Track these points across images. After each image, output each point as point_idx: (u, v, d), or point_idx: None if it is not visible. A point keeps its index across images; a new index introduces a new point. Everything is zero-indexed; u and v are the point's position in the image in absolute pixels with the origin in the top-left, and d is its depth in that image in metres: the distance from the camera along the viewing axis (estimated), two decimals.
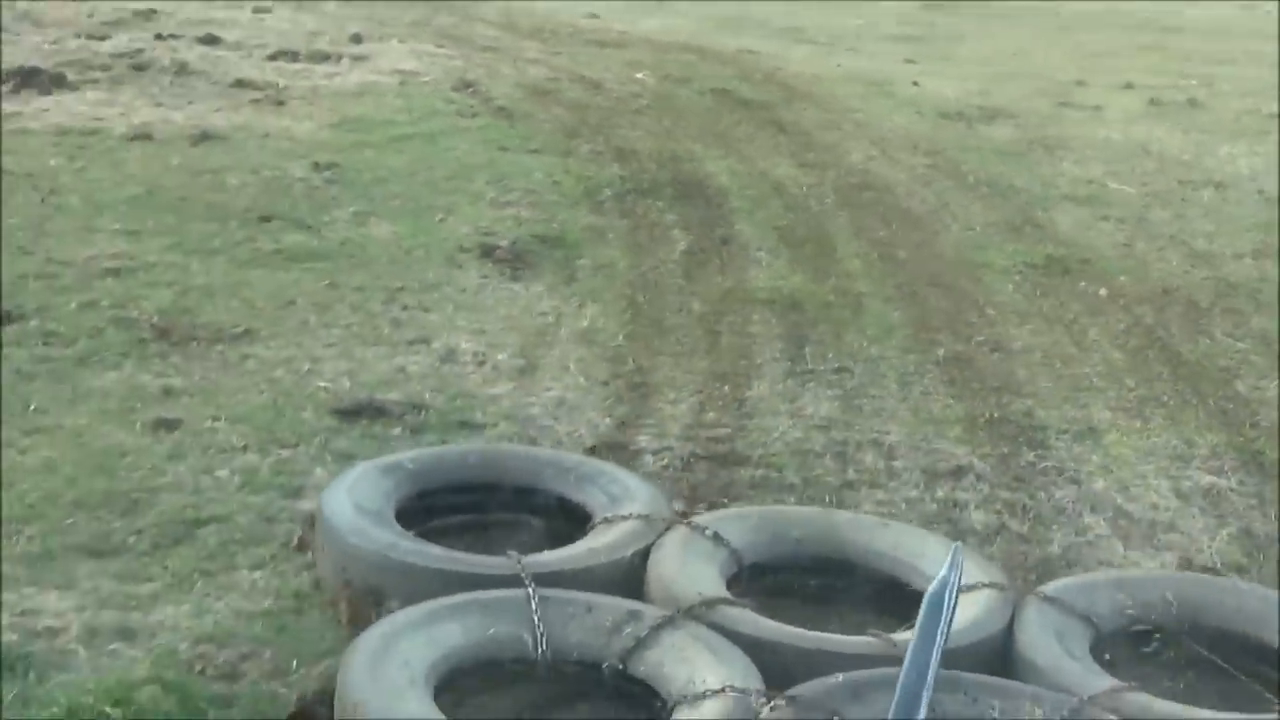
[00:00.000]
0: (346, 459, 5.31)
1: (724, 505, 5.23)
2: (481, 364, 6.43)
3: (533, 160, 10.25)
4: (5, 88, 10.95)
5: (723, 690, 3.65)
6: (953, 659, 3.73)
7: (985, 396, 6.53)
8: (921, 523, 5.23)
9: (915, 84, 14.96)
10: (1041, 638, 4.10)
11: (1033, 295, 8.08)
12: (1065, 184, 10.89)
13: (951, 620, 3.50)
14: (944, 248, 8.98)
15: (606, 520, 4.56)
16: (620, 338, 6.93)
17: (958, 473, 5.70)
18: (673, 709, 3.69)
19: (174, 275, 7.16)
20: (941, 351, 7.05)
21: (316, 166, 9.44)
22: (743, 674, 3.74)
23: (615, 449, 5.65)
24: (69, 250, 7.38)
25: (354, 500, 4.44)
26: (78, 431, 5.40)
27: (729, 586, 4.27)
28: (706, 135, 11.68)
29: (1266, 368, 7.14)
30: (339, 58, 13.54)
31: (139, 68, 12.15)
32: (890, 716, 3.45)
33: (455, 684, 3.79)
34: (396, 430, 5.65)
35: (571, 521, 4.70)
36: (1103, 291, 8.21)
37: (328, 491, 4.55)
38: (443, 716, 3.51)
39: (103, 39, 13.14)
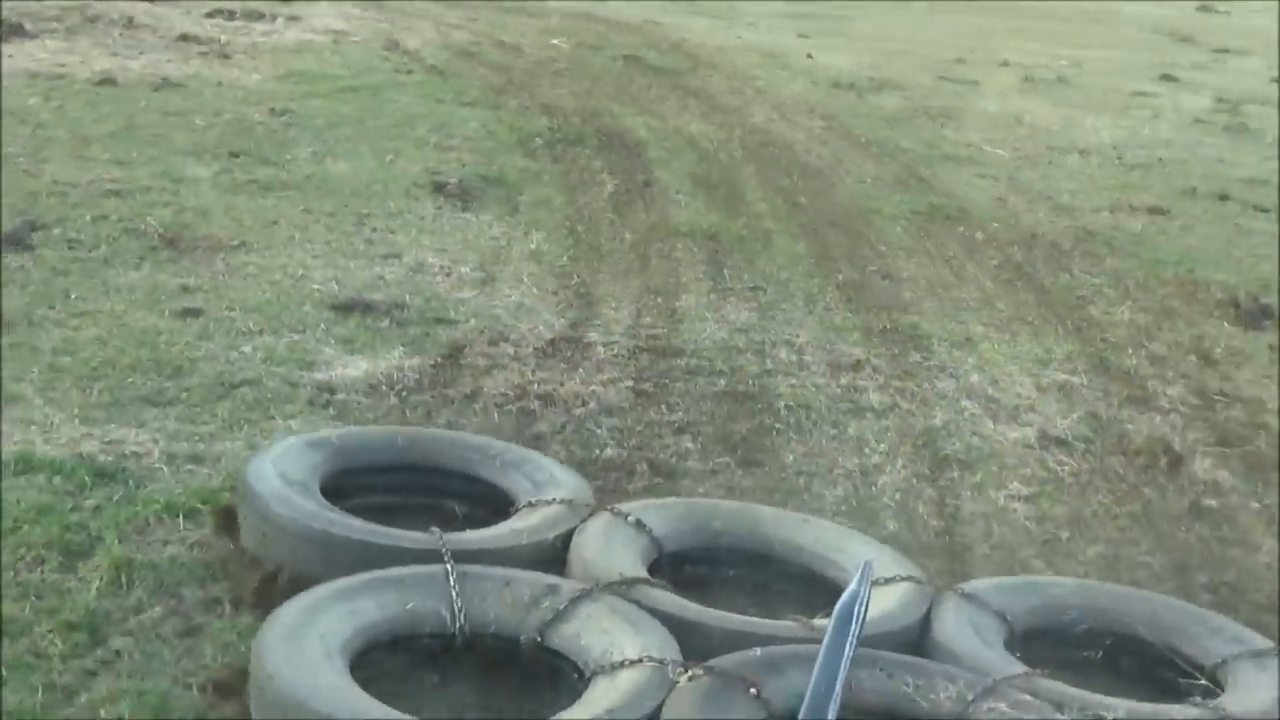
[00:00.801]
0: (348, 343, 6.33)
1: (668, 382, 6.31)
2: (448, 275, 7.42)
3: (467, 112, 11.23)
4: None
5: (640, 660, 3.66)
6: (871, 645, 3.86)
7: (878, 312, 7.64)
8: (829, 401, 6.35)
9: (809, 56, 16.17)
10: (958, 629, 4.20)
11: (918, 236, 9.22)
12: (946, 146, 12.13)
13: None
14: (840, 196, 10.11)
15: (530, 504, 4.59)
16: (564, 259, 7.95)
17: (857, 366, 6.81)
18: (590, 680, 3.69)
19: (168, 197, 8.06)
20: (840, 277, 8.17)
21: (273, 112, 10.35)
22: (660, 646, 3.75)
23: (571, 342, 6.69)
24: (69, 174, 8.25)
25: (279, 471, 4.46)
26: (116, 315, 6.32)
27: (649, 573, 4.28)
28: (622, 95, 12.75)
29: (1116, 298, 8.33)
30: (273, 17, 14.43)
31: (90, 19, 12.94)
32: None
33: (371, 657, 3.80)
34: (385, 323, 6.62)
35: (496, 506, 4.72)
36: (978, 235, 9.38)
37: (253, 461, 4.60)
38: (355, 687, 3.52)
39: None
